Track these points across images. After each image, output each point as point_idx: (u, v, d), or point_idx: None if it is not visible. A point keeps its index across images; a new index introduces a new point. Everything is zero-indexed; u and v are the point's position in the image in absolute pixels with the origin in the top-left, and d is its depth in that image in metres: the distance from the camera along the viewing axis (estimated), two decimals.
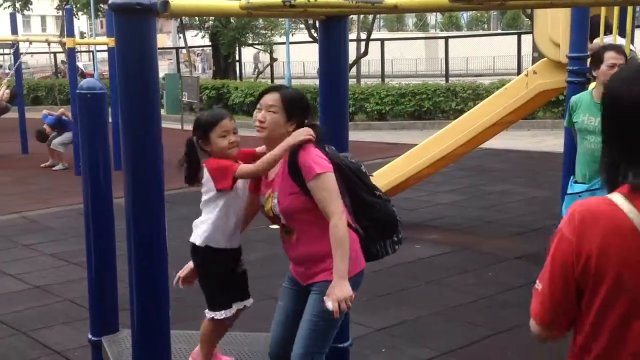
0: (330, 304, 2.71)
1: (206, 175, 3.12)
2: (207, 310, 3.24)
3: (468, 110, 8.32)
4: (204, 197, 3.17)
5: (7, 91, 12.70)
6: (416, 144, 7.46)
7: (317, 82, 3.37)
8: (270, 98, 2.94)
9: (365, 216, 2.97)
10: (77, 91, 3.72)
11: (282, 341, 3.08)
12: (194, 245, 3.22)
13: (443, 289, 5.52)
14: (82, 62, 32.74)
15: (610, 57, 4.58)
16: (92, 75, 21.72)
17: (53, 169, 11.46)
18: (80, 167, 4.01)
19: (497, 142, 9.73)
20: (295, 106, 2.96)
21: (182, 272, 3.42)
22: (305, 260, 2.95)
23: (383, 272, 5.45)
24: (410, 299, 5.28)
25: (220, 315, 3.19)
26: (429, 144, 7.17)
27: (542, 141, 12.73)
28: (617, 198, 1.62)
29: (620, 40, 6.08)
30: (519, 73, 16.09)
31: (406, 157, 7.20)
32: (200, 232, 3.18)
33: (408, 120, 16.14)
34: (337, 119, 3.38)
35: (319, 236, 2.84)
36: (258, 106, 2.97)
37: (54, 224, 7.90)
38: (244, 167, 3.00)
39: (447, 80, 18.61)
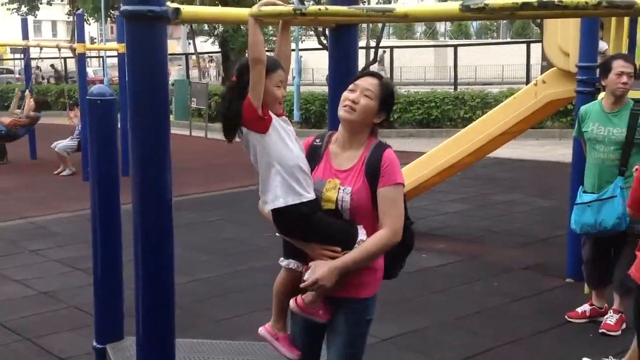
0: (308, 274, 2.62)
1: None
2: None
3: (476, 118, 8.31)
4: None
5: (31, 101, 12.56)
6: (424, 152, 7.44)
7: (326, 89, 3.35)
8: (370, 82, 2.74)
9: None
10: (87, 97, 3.74)
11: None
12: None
13: (449, 298, 5.49)
14: (93, 67, 32.96)
15: (618, 65, 4.56)
16: (102, 81, 21.83)
17: (61, 174, 11.49)
18: (88, 173, 4.02)
19: (505, 152, 9.70)
20: (390, 99, 2.80)
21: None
22: None
23: (389, 281, 5.42)
24: (417, 308, 5.26)
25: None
26: (437, 153, 7.15)
27: (550, 150, 12.68)
28: None
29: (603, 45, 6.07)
30: (527, 82, 16.07)
31: (414, 166, 7.18)
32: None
33: (416, 128, 16.13)
34: None
35: None
36: (352, 87, 2.75)
37: (61, 230, 7.91)
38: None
39: (455, 89, 18.58)
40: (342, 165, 2.77)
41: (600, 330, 4.68)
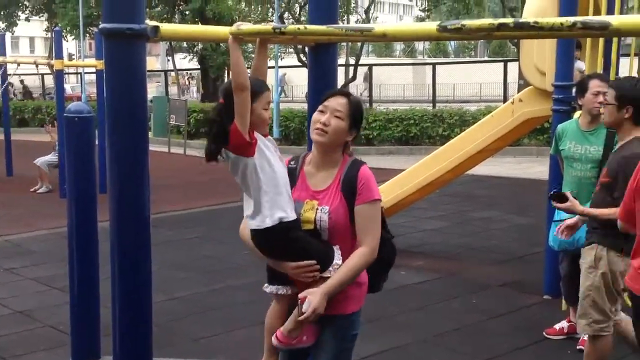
0: (306, 305, 2.60)
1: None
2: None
3: (455, 136, 8.37)
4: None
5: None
6: (403, 170, 7.48)
7: (305, 106, 3.36)
8: (339, 102, 2.75)
9: (381, 251, 2.81)
10: (65, 114, 3.71)
11: None
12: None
13: (428, 316, 5.50)
14: (71, 83, 32.77)
15: (595, 85, 4.63)
16: (80, 98, 21.71)
17: (37, 191, 11.37)
18: (65, 190, 4.00)
19: (483, 169, 9.77)
20: (360, 116, 2.81)
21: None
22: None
23: (368, 298, 5.42)
24: (396, 325, 5.26)
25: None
26: (416, 170, 7.19)
27: (527, 168, 12.80)
28: None
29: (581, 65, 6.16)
30: (505, 100, 16.24)
31: (393, 183, 7.21)
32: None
33: (395, 145, 16.21)
34: None
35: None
36: (321, 108, 2.76)
37: (37, 248, 7.82)
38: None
39: (434, 106, 18.74)
40: (317, 186, 2.80)
41: (577, 347, 4.70)
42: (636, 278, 3.11)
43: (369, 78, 21.74)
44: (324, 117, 2.72)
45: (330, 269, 2.73)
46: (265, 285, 2.85)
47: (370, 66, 22.64)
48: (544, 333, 4.97)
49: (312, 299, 2.61)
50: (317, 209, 2.76)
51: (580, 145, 4.73)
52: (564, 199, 3.79)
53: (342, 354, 2.81)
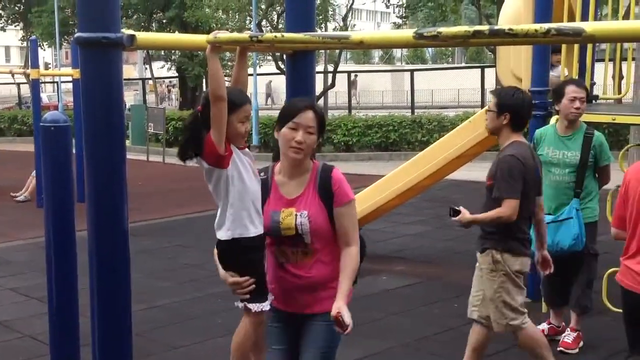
0: (347, 319, 2.72)
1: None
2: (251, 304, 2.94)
3: (434, 141, 8.41)
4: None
5: None
6: (383, 175, 7.51)
7: None
8: (309, 118, 2.82)
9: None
10: (41, 124, 3.69)
11: None
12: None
13: (410, 320, 5.51)
14: (47, 92, 32.50)
15: (571, 91, 4.69)
16: (56, 107, 21.54)
17: (16, 198, 11.25)
18: (42, 200, 3.96)
19: (462, 174, 9.81)
20: (324, 124, 2.95)
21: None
22: (315, 284, 2.89)
23: (349, 303, 5.43)
24: (378, 330, 5.27)
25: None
26: (395, 176, 7.21)
27: None
28: None
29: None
30: (482, 105, 16.35)
31: (373, 189, 7.23)
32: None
33: (375, 151, 16.26)
34: None
35: (332, 259, 2.89)
36: (292, 125, 2.81)
37: (14, 258, 7.74)
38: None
39: (412, 112, 18.83)
40: (291, 194, 2.90)
41: (558, 349, 4.75)
42: (626, 274, 3.33)
43: (356, 84, 21.81)
44: (299, 136, 2.80)
45: (264, 303, 2.87)
46: (254, 305, 2.91)
47: (349, 73, 22.70)
48: None
49: (344, 313, 2.73)
50: (295, 214, 2.86)
51: (558, 150, 4.79)
52: (457, 212, 3.97)
53: (332, 350, 2.95)
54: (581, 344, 4.78)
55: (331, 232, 2.88)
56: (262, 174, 2.97)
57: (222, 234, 2.85)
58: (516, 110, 3.87)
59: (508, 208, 3.82)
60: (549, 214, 4.74)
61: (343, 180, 2.89)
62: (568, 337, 4.80)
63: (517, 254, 3.91)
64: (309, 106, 2.87)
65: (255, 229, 2.83)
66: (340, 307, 2.74)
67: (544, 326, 5.01)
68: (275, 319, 3.00)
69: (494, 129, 3.99)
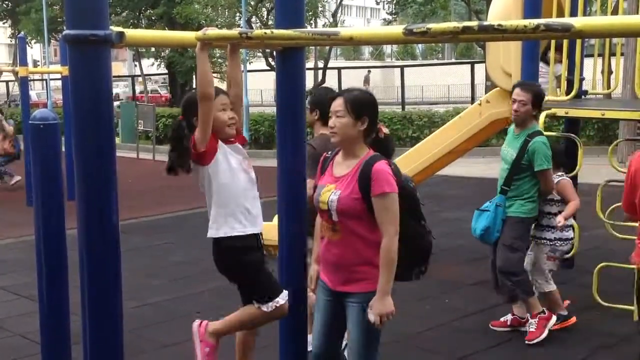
0: (372, 317, 2.97)
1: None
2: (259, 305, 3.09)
3: (424, 137, 8.42)
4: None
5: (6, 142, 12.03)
6: None
7: (275, 109, 3.38)
8: (337, 104, 3.10)
9: (407, 242, 3.10)
10: (30, 122, 3.66)
11: (325, 352, 3.27)
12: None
13: (401, 316, 5.49)
14: (36, 90, 32.34)
15: (514, 93, 4.85)
16: (45, 105, 21.43)
17: (10, 183, 11.31)
18: (32, 198, 3.94)
19: (453, 170, 9.84)
20: (361, 105, 3.09)
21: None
22: (339, 264, 3.10)
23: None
24: None
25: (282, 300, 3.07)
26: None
27: (496, 168, 12.75)
28: None
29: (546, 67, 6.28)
30: (472, 101, 16.40)
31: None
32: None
33: None
34: (295, 147, 3.39)
35: (361, 247, 3.06)
36: (330, 114, 3.12)
37: (3, 257, 7.70)
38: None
39: (403, 108, 18.84)
40: (339, 173, 3.14)
41: (526, 342, 4.79)
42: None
43: (369, 81, 21.84)
44: (331, 121, 3.10)
45: (271, 304, 2.97)
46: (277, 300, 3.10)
47: (339, 69, 22.67)
48: (490, 325, 5.12)
49: (374, 310, 2.99)
50: (332, 192, 3.07)
51: (507, 147, 5.00)
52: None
53: (371, 329, 3.09)
54: (552, 323, 4.85)
55: (362, 218, 3.02)
56: (329, 153, 3.25)
57: (210, 233, 2.89)
58: (324, 107, 4.16)
59: None
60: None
61: (381, 172, 3.00)
62: (531, 326, 4.88)
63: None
64: (338, 94, 3.18)
65: (243, 228, 2.84)
66: (371, 306, 2.97)
67: (509, 317, 5.11)
68: (320, 290, 3.21)
69: (309, 124, 4.31)
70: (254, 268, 2.93)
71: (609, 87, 7.19)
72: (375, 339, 3.16)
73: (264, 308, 3.01)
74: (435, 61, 52.41)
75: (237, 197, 2.85)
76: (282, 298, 3.11)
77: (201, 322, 3.28)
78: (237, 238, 2.86)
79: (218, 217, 2.83)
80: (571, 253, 5.76)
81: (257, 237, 2.98)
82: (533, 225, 4.98)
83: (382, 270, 2.97)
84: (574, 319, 5.09)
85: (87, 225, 2.66)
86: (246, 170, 2.93)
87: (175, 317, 5.58)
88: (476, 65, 19.73)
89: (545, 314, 4.87)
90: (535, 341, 4.79)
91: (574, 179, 6.27)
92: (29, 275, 6.05)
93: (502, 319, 5.14)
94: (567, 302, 5.20)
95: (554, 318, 4.90)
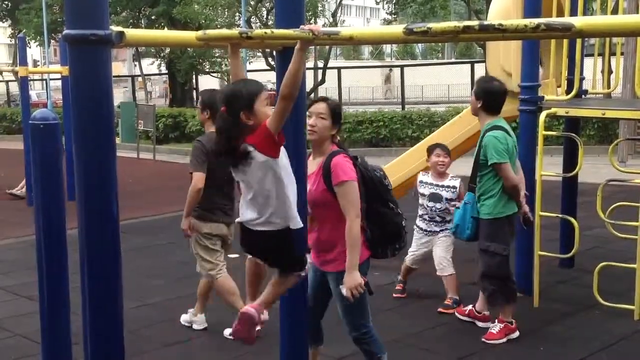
0: (344, 291, 3.42)
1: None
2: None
3: (424, 137, 8.43)
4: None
5: None
6: None
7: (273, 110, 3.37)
8: (320, 107, 3.60)
9: (374, 222, 3.63)
10: (30, 122, 3.65)
11: (314, 321, 3.76)
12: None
13: (402, 316, 5.52)
14: (36, 90, 32.33)
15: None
16: (45, 105, 21.43)
17: (14, 192, 11.26)
18: (32, 198, 3.94)
19: (452, 170, 9.85)
20: (338, 114, 3.66)
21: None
22: (319, 246, 3.64)
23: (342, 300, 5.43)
24: None
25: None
26: (386, 172, 7.21)
27: None
28: None
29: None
30: None
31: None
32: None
33: (365, 147, 16.27)
34: (295, 146, 3.38)
35: (332, 229, 3.56)
36: (308, 113, 3.54)
37: (4, 257, 7.70)
38: None
39: (403, 108, 18.84)
40: (310, 170, 3.53)
41: (482, 339, 4.88)
42: None
43: (390, 79, 21.85)
44: (312, 120, 3.56)
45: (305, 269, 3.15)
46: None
47: (339, 69, 22.66)
48: (456, 313, 5.29)
49: (345, 284, 3.43)
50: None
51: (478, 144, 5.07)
52: None
53: (353, 303, 3.54)
54: (514, 335, 4.89)
55: (331, 207, 3.50)
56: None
57: (270, 226, 2.91)
58: (215, 106, 4.64)
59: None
60: None
61: (340, 163, 3.50)
62: (494, 328, 4.92)
63: (206, 220, 4.98)
64: (321, 99, 3.68)
65: (288, 222, 2.93)
66: (344, 282, 3.43)
67: (469, 307, 5.22)
68: (311, 269, 3.51)
69: (202, 123, 5.09)
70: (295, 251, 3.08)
71: (609, 86, 7.19)
72: (355, 307, 3.63)
73: (303, 273, 3.15)
74: (436, 61, 52.40)
75: (292, 192, 2.93)
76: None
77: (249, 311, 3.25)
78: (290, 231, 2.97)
79: (282, 209, 2.86)
80: (572, 252, 5.77)
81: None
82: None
83: (347, 250, 3.42)
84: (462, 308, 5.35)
85: (87, 226, 2.66)
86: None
87: (177, 317, 5.57)
88: (476, 65, 19.73)
89: (512, 325, 4.91)
90: (491, 342, 4.84)
91: (575, 178, 6.29)
92: (28, 275, 6.06)
93: (465, 308, 5.27)
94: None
95: (517, 334, 4.91)
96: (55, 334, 3.75)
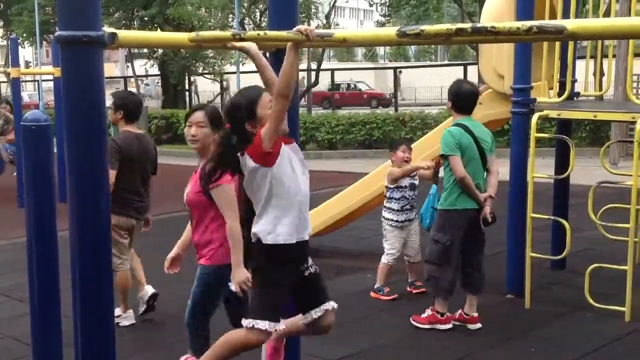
0: (233, 287, 3.51)
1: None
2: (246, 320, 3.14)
3: (417, 139, 8.43)
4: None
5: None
6: (367, 173, 7.51)
7: None
8: (198, 115, 3.74)
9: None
10: (22, 123, 3.64)
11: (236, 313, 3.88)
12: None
13: (397, 317, 5.52)
14: (28, 91, 32.22)
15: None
16: (37, 106, 21.36)
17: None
18: (23, 199, 3.93)
19: None
20: (217, 118, 3.71)
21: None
22: (196, 244, 3.89)
23: (335, 301, 5.42)
24: (366, 328, 5.27)
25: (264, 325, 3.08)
26: (380, 173, 7.22)
27: None
28: None
29: None
30: None
31: (357, 186, 7.24)
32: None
33: (358, 149, 16.29)
34: None
35: (204, 229, 3.80)
36: (188, 123, 3.76)
37: None
38: None
39: (396, 110, 18.87)
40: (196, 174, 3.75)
41: (410, 321, 5.18)
42: None
43: (399, 80, 21.89)
44: (192, 130, 3.74)
45: (274, 323, 3.17)
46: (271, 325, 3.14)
47: (332, 70, 22.68)
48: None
49: (234, 280, 3.50)
50: (186, 188, 3.83)
51: None
52: None
53: (202, 290, 3.89)
54: (442, 326, 5.03)
55: (205, 209, 3.71)
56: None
57: (271, 236, 2.99)
58: (128, 107, 5.25)
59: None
60: None
61: None
62: (425, 312, 5.14)
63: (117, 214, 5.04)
64: (198, 108, 3.84)
65: (290, 237, 2.97)
66: (232, 278, 3.49)
67: (458, 311, 5.19)
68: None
69: (113, 122, 5.44)
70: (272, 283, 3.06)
71: (601, 89, 7.22)
72: (203, 300, 3.90)
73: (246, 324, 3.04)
74: (428, 63, 52.50)
75: (295, 202, 2.90)
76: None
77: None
78: (282, 247, 2.95)
79: (270, 221, 2.87)
80: (563, 254, 5.79)
81: (301, 245, 3.03)
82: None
83: (231, 249, 3.49)
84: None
85: (78, 227, 2.65)
86: (304, 173, 2.95)
87: (166, 318, 5.56)
88: (469, 67, 19.79)
89: (443, 317, 5.07)
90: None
91: (566, 180, 6.30)
92: (19, 277, 6.02)
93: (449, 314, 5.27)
94: None
95: (448, 326, 5.09)
96: (46, 336, 3.74)
